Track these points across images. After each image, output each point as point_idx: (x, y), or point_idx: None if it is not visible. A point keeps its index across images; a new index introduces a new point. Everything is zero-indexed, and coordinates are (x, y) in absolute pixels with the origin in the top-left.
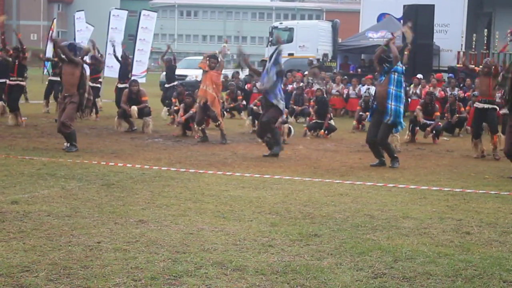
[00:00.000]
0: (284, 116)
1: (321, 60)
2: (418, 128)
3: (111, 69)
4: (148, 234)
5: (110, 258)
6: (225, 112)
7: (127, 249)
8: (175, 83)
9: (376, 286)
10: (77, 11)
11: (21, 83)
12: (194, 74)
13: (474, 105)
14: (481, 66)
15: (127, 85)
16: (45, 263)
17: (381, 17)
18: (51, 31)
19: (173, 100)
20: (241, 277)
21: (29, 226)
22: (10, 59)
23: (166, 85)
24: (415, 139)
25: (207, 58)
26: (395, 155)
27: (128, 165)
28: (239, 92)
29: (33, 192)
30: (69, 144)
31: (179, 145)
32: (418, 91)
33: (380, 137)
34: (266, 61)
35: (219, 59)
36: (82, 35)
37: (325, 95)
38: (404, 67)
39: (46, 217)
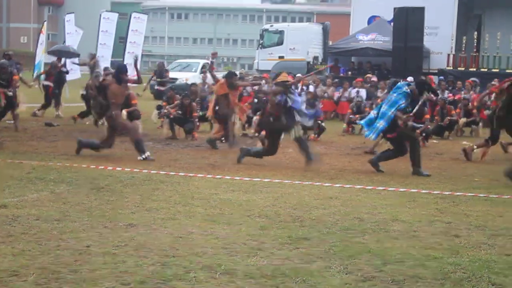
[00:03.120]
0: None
1: (311, 62)
2: None
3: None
4: (138, 238)
5: (99, 262)
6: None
7: (116, 253)
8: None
9: None
10: (67, 13)
11: None
12: (184, 77)
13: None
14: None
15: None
16: (34, 267)
17: (371, 19)
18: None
19: (164, 104)
20: (231, 281)
21: (18, 230)
22: None
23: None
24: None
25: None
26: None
27: (118, 168)
28: None
29: (22, 196)
30: None
31: (169, 148)
32: None
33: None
34: None
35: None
36: (72, 38)
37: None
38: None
39: (35, 221)
